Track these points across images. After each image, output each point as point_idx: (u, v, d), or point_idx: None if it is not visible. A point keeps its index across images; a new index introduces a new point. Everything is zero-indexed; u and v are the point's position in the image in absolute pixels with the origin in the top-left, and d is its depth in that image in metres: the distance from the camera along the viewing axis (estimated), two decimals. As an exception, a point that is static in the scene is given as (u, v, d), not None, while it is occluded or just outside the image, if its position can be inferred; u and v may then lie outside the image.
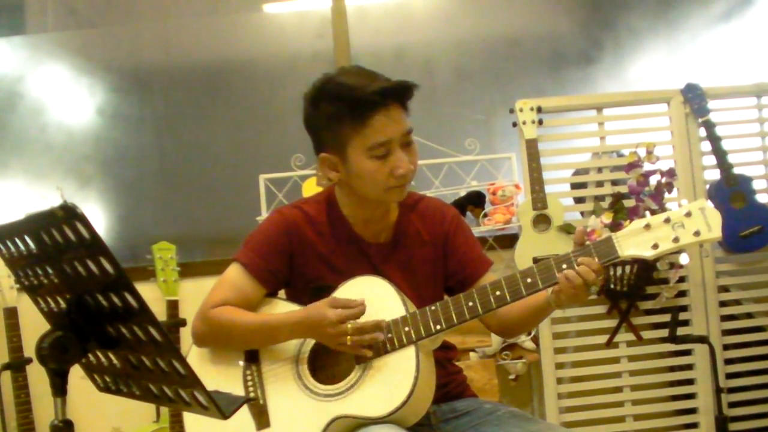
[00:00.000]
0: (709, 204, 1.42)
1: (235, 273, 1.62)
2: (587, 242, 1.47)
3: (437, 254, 1.69)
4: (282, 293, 1.71)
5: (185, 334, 2.73)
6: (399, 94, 1.52)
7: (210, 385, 1.55)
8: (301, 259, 1.63)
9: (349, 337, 1.46)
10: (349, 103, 1.49)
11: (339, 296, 1.56)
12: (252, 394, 1.56)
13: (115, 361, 1.11)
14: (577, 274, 1.42)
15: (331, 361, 1.57)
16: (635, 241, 1.42)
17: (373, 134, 1.50)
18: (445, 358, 1.70)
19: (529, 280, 1.47)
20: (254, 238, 1.65)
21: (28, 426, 2.66)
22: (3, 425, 2.72)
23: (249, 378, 1.58)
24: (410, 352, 1.48)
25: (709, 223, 1.40)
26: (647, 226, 1.42)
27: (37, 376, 2.64)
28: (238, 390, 1.57)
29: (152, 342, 1.00)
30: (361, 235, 1.66)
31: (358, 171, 1.54)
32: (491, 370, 2.60)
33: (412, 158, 1.56)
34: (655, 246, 1.41)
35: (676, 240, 1.40)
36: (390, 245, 1.67)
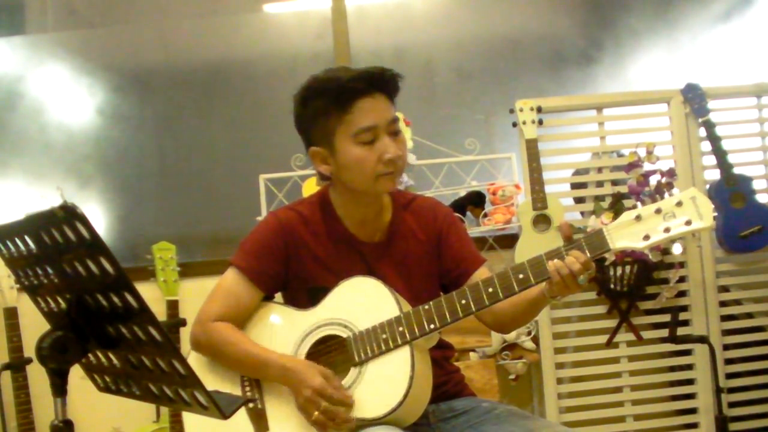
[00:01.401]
0: (700, 193, 1.40)
1: (232, 278, 1.63)
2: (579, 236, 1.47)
3: (431, 252, 1.69)
4: (278, 296, 1.72)
5: (185, 334, 2.71)
6: (381, 81, 1.54)
7: (208, 387, 1.56)
8: (296, 260, 1.63)
9: (317, 412, 1.45)
10: (333, 93, 1.53)
11: (334, 297, 1.57)
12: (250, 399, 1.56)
13: (115, 361, 1.11)
14: (564, 265, 1.42)
15: (327, 365, 1.57)
16: (626, 233, 1.41)
17: (357, 120, 1.52)
18: (443, 357, 1.70)
19: (521, 275, 1.47)
20: (249, 242, 1.66)
21: (28, 426, 2.66)
22: (3, 425, 2.72)
23: (247, 382, 1.59)
24: (405, 352, 1.49)
25: (701, 212, 1.38)
26: (638, 218, 1.41)
27: (37, 376, 2.64)
28: (236, 393, 1.57)
29: (152, 342, 1.00)
30: (355, 234, 1.66)
31: (347, 160, 1.55)
32: (491, 370, 2.60)
33: (400, 146, 1.57)
34: (647, 237, 1.40)
35: (667, 230, 1.39)
36: (384, 244, 1.67)
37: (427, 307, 1.51)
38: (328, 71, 1.59)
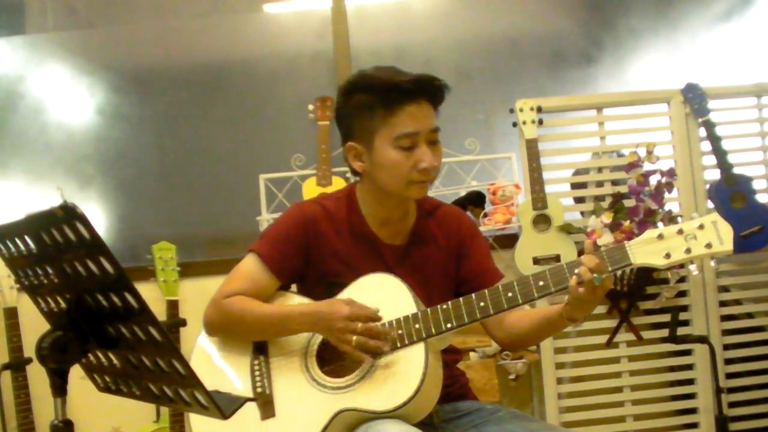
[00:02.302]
0: (722, 218, 1.44)
1: (251, 263, 1.64)
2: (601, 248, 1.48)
3: (450, 260, 1.70)
4: (294, 287, 1.72)
5: (185, 334, 2.73)
6: (430, 89, 1.56)
7: (218, 375, 1.58)
8: (316, 254, 1.64)
9: (355, 337, 1.46)
10: (381, 92, 1.53)
11: (352, 291, 1.58)
12: (259, 385, 1.57)
13: (115, 361, 1.11)
14: (583, 265, 1.41)
15: (339, 355, 1.57)
16: (648, 250, 1.45)
17: (400, 124, 1.53)
18: (451, 360, 1.71)
19: (541, 283, 1.48)
20: (272, 231, 1.67)
21: (28, 426, 2.66)
22: (3, 425, 2.72)
23: (257, 369, 1.59)
24: (419, 349, 1.49)
25: (721, 236, 1.43)
26: (660, 236, 1.45)
27: (37, 376, 2.64)
28: (246, 381, 1.58)
29: (152, 342, 1.00)
30: (378, 235, 1.66)
31: (383, 160, 1.56)
32: (491, 370, 2.60)
33: (437, 156, 1.59)
34: (668, 256, 1.44)
35: (688, 251, 1.43)
36: (405, 247, 1.68)
37: (445, 306, 1.52)
38: (377, 68, 1.60)
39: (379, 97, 1.54)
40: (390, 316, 1.53)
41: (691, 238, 1.44)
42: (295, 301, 1.65)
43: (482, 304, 1.50)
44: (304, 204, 1.70)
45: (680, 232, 1.44)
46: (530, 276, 1.49)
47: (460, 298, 1.52)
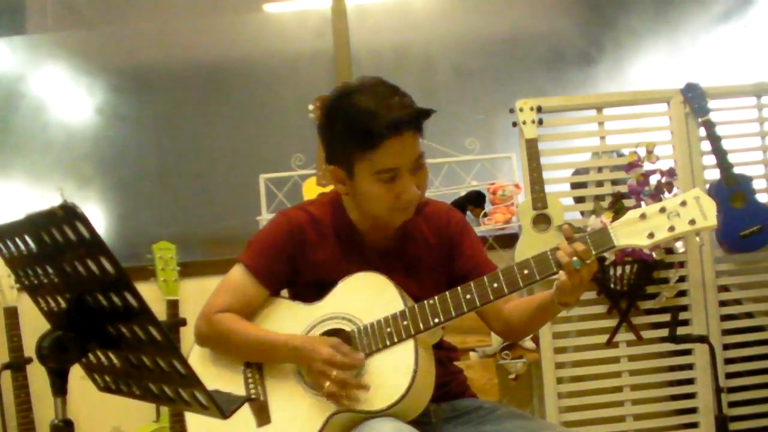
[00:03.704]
0: (704, 193, 1.42)
1: (238, 275, 1.63)
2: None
3: (442, 258, 1.69)
4: (285, 292, 1.72)
5: (185, 334, 2.73)
6: (414, 121, 1.50)
7: (211, 382, 1.56)
8: (303, 261, 1.64)
9: (327, 384, 1.46)
10: (361, 130, 1.47)
11: (339, 292, 1.58)
12: (253, 392, 1.57)
13: (115, 360, 1.11)
14: (568, 247, 1.41)
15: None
16: (631, 231, 1.42)
17: (381, 160, 1.49)
18: (447, 358, 1.71)
19: (526, 271, 1.46)
20: (258, 240, 1.67)
21: (28, 426, 2.66)
22: (3, 425, 2.72)
23: (250, 375, 1.59)
24: (409, 346, 1.49)
25: (704, 211, 1.39)
26: (642, 216, 1.42)
27: (37, 376, 2.64)
28: (239, 387, 1.58)
29: (152, 342, 1.00)
30: (365, 238, 1.66)
31: (364, 191, 1.54)
32: (491, 369, 2.60)
33: (421, 182, 1.56)
34: (651, 235, 1.41)
35: (671, 229, 1.40)
36: (395, 249, 1.67)
37: (432, 301, 1.51)
38: (360, 92, 1.51)
39: (357, 133, 1.48)
40: (378, 314, 1.53)
41: (674, 216, 1.40)
42: (284, 309, 1.64)
43: (468, 296, 1.49)
44: (289, 211, 1.69)
45: (663, 210, 1.41)
46: (515, 265, 1.48)
47: (447, 292, 1.51)
